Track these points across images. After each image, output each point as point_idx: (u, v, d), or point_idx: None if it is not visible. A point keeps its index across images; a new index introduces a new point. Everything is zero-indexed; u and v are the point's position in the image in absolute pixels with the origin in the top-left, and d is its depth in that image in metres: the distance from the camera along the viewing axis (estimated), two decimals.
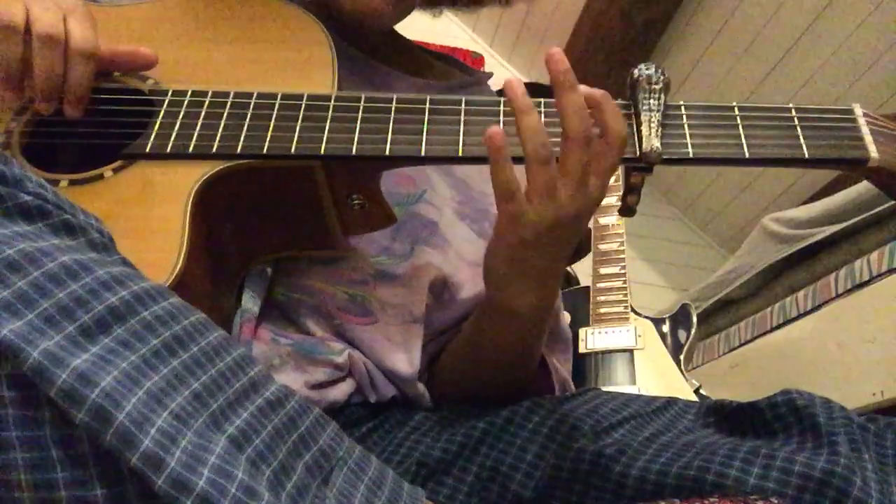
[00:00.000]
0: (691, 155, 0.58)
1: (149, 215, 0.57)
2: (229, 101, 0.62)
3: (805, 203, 2.17)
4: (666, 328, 1.63)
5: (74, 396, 0.35)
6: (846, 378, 1.54)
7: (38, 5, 0.58)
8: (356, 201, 0.64)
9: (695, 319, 1.65)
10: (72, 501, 0.36)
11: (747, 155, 0.57)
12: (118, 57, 0.64)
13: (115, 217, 0.56)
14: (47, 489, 0.35)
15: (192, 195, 0.58)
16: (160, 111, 0.62)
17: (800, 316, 1.80)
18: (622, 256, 1.69)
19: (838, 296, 1.66)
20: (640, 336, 1.58)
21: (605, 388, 1.48)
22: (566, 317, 0.86)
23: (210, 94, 0.63)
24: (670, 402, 0.67)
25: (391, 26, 0.82)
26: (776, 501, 0.50)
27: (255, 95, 0.62)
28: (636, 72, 0.60)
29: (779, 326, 1.88)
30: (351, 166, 0.62)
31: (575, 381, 1.61)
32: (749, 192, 2.51)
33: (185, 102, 0.62)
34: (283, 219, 0.66)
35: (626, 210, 0.60)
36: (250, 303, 0.66)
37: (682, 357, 1.57)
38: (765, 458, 0.53)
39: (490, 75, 0.92)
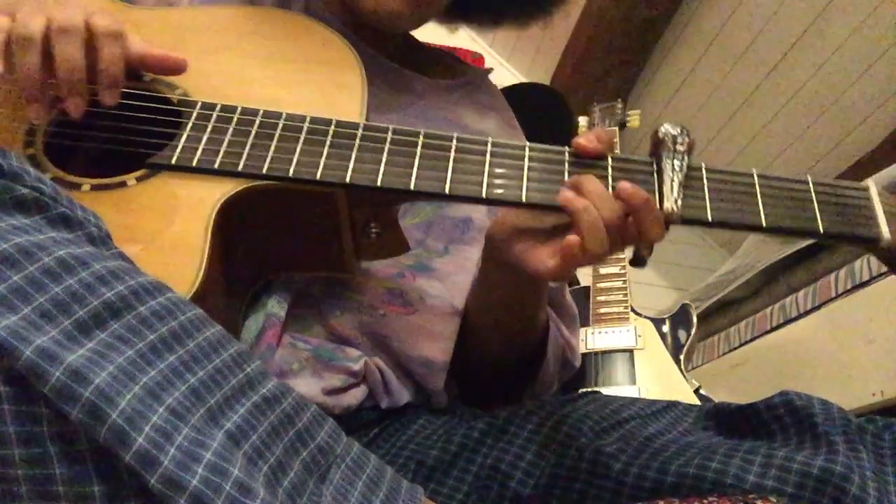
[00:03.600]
0: (710, 220, 0.58)
1: (169, 229, 0.57)
2: (258, 119, 0.62)
3: None
4: (666, 328, 1.63)
5: (68, 394, 0.35)
6: (846, 378, 1.54)
7: (59, 10, 0.58)
8: (374, 230, 0.65)
9: (695, 319, 1.65)
10: (69, 497, 0.36)
11: (764, 224, 0.58)
12: (148, 58, 0.64)
13: (136, 228, 0.57)
14: (45, 484, 0.35)
15: (215, 213, 0.57)
16: (188, 123, 0.62)
17: (800, 316, 1.80)
18: (622, 256, 1.69)
19: (838, 296, 1.66)
20: (640, 336, 1.58)
21: (605, 388, 1.49)
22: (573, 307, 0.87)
23: (239, 110, 0.62)
24: (670, 405, 0.67)
25: (409, 30, 0.83)
26: (775, 500, 0.50)
27: (283, 116, 0.62)
28: (661, 130, 0.60)
29: (779, 326, 1.88)
30: (373, 196, 0.62)
31: (575, 381, 1.61)
32: None
33: (214, 117, 0.62)
34: (299, 241, 0.66)
35: (639, 262, 0.59)
36: (276, 307, 0.66)
37: (682, 357, 1.57)
38: (763, 458, 0.54)
39: (490, 70, 0.93)
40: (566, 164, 0.60)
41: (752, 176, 0.60)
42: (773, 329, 1.90)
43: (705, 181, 0.59)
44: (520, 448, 0.63)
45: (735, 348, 2.05)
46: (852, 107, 2.06)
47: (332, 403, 0.67)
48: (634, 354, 1.56)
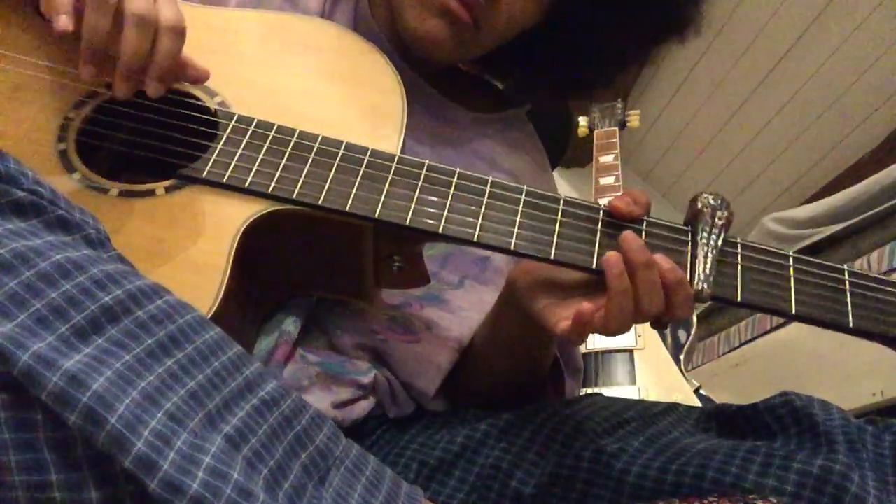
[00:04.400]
0: (739, 300, 0.56)
1: (193, 246, 0.56)
2: (293, 140, 0.61)
3: (805, 203, 2.17)
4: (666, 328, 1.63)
5: (65, 399, 0.35)
6: (846, 378, 1.54)
7: None
8: (396, 263, 0.64)
9: (695, 319, 1.65)
10: (66, 503, 0.36)
11: (793, 312, 0.56)
12: (186, 68, 0.62)
13: (160, 240, 0.56)
14: (41, 491, 0.35)
15: (240, 233, 0.57)
16: (223, 136, 0.61)
17: None
18: None
19: None
20: (640, 336, 1.58)
21: (605, 388, 1.49)
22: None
23: (275, 128, 0.61)
24: (671, 406, 0.67)
25: (450, 61, 0.81)
26: (775, 500, 0.50)
27: (319, 139, 0.61)
28: (700, 200, 0.58)
29: (779, 326, 1.88)
30: (400, 232, 0.60)
31: None
32: (749, 192, 2.51)
33: (249, 132, 0.61)
34: (320, 266, 0.65)
35: (660, 326, 0.57)
36: (291, 326, 0.66)
37: (682, 357, 1.57)
38: (763, 458, 0.54)
39: (528, 105, 0.91)
40: (599, 224, 0.58)
41: (788, 258, 0.58)
42: (773, 329, 1.90)
43: (739, 259, 0.57)
44: (521, 448, 0.63)
45: (735, 348, 2.05)
46: (852, 107, 2.06)
47: (341, 417, 0.67)
48: (634, 354, 1.56)
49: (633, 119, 1.90)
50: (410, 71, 0.77)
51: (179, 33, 0.59)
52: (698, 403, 1.42)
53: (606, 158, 1.77)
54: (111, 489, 0.36)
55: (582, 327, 0.55)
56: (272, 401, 0.43)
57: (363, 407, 0.69)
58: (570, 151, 2.08)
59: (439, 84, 0.82)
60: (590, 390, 1.46)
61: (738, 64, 2.21)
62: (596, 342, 1.59)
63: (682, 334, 1.62)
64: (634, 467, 0.57)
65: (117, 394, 0.36)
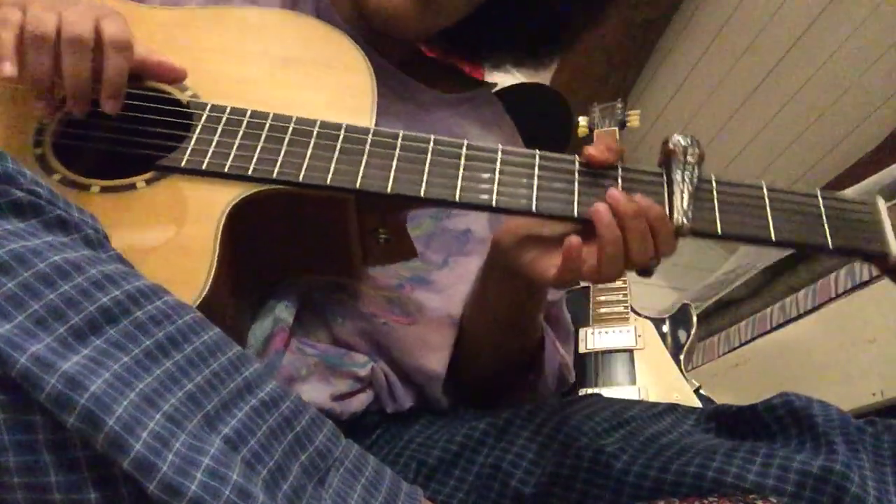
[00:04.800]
0: (719, 232, 0.58)
1: (179, 232, 0.57)
2: (268, 122, 0.62)
3: None
4: (666, 328, 1.63)
5: (63, 401, 0.35)
6: (846, 378, 1.54)
7: (70, 11, 0.57)
8: (382, 235, 0.65)
9: (695, 319, 1.65)
10: None
11: (773, 238, 0.58)
12: (150, 66, 0.63)
13: (145, 231, 0.57)
14: (41, 492, 0.35)
15: (224, 216, 0.57)
16: (198, 126, 0.61)
17: (800, 316, 1.80)
18: None
19: (838, 296, 1.66)
20: (640, 336, 1.58)
21: (605, 388, 1.49)
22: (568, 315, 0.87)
23: (249, 113, 0.62)
24: (671, 407, 0.68)
25: (417, 37, 0.81)
26: (775, 500, 0.50)
27: (293, 120, 0.62)
28: (671, 142, 0.60)
29: (779, 326, 1.88)
30: (382, 202, 0.62)
31: (575, 382, 1.61)
32: None
33: (224, 119, 0.62)
34: (307, 245, 0.66)
35: (646, 273, 0.59)
36: (285, 312, 0.66)
37: (682, 357, 1.57)
38: (763, 458, 0.54)
39: (495, 85, 0.93)
40: (576, 174, 0.60)
41: (761, 188, 0.60)
42: (773, 329, 1.90)
43: (715, 193, 0.59)
44: (521, 448, 0.63)
45: (735, 348, 2.04)
46: (852, 107, 2.06)
47: (339, 409, 0.67)
48: (634, 354, 1.56)
49: (633, 119, 1.90)
50: (377, 56, 0.77)
51: (124, 48, 0.59)
52: (698, 403, 1.42)
53: None
54: (110, 491, 0.36)
55: (572, 262, 0.56)
56: (271, 401, 0.43)
57: (361, 400, 0.69)
58: (569, 151, 2.08)
59: (406, 68, 0.82)
60: (590, 390, 1.46)
61: (737, 64, 2.21)
62: (596, 342, 1.59)
63: (682, 334, 1.62)
64: (634, 467, 0.57)
65: (115, 395, 0.36)
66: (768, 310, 1.96)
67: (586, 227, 0.57)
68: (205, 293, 0.53)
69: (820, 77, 2.07)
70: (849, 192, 0.61)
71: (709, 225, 0.58)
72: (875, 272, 1.55)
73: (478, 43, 0.88)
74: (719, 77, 2.28)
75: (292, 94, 0.66)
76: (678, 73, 2.36)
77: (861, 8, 1.87)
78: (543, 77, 2.59)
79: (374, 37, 0.76)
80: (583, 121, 1.92)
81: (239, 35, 0.71)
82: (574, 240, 0.56)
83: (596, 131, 1.86)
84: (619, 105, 1.92)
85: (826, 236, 0.58)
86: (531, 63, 0.90)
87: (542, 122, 0.99)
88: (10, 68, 0.55)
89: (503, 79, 0.98)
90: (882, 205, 0.60)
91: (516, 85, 2.33)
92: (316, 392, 0.66)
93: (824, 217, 0.59)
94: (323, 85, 0.67)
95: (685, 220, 0.57)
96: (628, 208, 0.56)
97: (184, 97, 0.64)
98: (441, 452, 0.66)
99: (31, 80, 0.57)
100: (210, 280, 0.54)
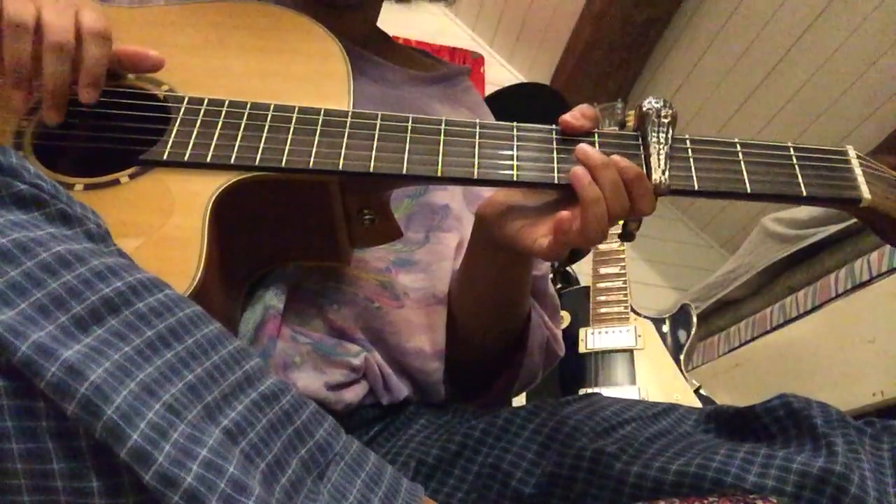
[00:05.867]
0: (696, 188, 0.60)
1: (166, 224, 0.57)
2: (246, 111, 0.62)
3: None
4: (666, 328, 1.63)
5: (64, 389, 0.35)
6: (846, 378, 1.54)
7: (49, 9, 0.57)
8: (367, 216, 0.65)
9: (695, 319, 1.65)
10: (68, 492, 0.36)
11: (749, 190, 0.60)
12: (125, 57, 0.63)
13: (132, 224, 0.57)
14: (43, 479, 0.35)
15: (210, 205, 0.58)
16: (177, 118, 0.62)
17: (800, 316, 1.80)
18: (622, 256, 1.69)
19: (838, 296, 1.66)
20: (640, 336, 1.59)
21: (605, 388, 1.49)
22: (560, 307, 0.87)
23: (227, 103, 0.62)
24: (671, 407, 0.68)
25: (366, 9, 0.83)
26: (775, 501, 0.50)
27: (272, 108, 0.62)
28: (645, 105, 0.62)
29: (779, 326, 1.88)
30: (365, 183, 0.62)
31: (575, 382, 1.62)
32: None
33: (202, 111, 0.62)
34: (294, 230, 0.66)
35: (627, 236, 0.62)
36: (275, 300, 0.67)
37: (682, 357, 1.57)
38: (764, 458, 0.54)
39: (467, 70, 0.94)
40: (554, 143, 0.62)
41: (734, 144, 0.62)
42: (773, 329, 1.90)
43: (690, 151, 0.61)
44: (521, 447, 0.63)
45: (735, 348, 2.05)
46: (851, 107, 2.06)
47: (334, 399, 0.67)
48: (634, 354, 1.56)
49: (633, 119, 1.90)
50: (343, 39, 0.76)
51: (105, 37, 0.59)
52: (698, 403, 1.42)
53: None
54: (112, 479, 0.36)
55: (563, 235, 0.58)
56: (272, 395, 0.43)
57: (356, 392, 0.69)
58: None
59: (368, 47, 0.83)
60: (590, 390, 1.46)
61: (737, 64, 2.21)
62: (596, 342, 1.59)
63: (682, 334, 1.62)
64: (634, 467, 0.57)
65: (115, 385, 0.36)
66: (768, 310, 1.96)
67: (566, 194, 0.59)
68: (196, 283, 0.54)
69: (820, 77, 2.07)
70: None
71: (685, 181, 0.60)
72: (875, 271, 1.55)
73: None
74: (719, 77, 2.28)
75: (269, 83, 0.67)
76: (678, 73, 2.36)
77: (861, 8, 1.87)
78: (543, 77, 2.60)
79: (333, 19, 0.76)
80: None
81: (211, 29, 0.71)
82: (564, 214, 0.57)
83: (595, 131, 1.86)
84: (619, 105, 1.92)
85: (801, 185, 0.61)
86: None
87: (542, 122, 0.98)
88: None
89: (503, 79, 0.98)
90: (852, 152, 0.63)
91: (516, 85, 2.34)
92: (310, 381, 0.66)
93: (797, 167, 0.61)
94: (298, 72, 0.68)
95: (663, 178, 0.59)
96: (596, 160, 0.58)
97: (160, 92, 0.64)
98: (440, 451, 0.66)
99: (9, 69, 0.57)
100: (200, 269, 0.54)
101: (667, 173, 0.59)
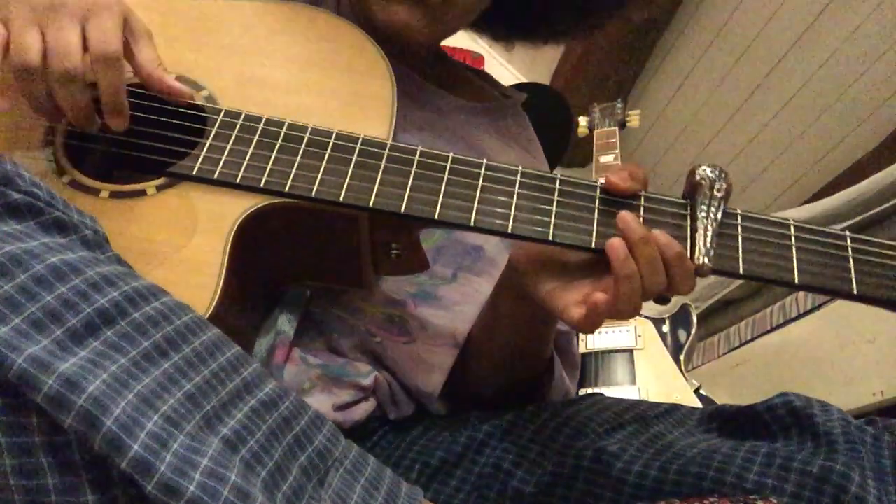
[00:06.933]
0: (741, 273, 0.55)
1: (188, 244, 0.56)
2: (283, 132, 0.60)
3: (805, 203, 2.17)
4: (666, 328, 1.63)
5: (61, 402, 0.34)
6: (846, 378, 1.54)
7: (53, 25, 0.54)
8: (394, 250, 0.63)
9: (695, 319, 1.65)
10: None
11: (796, 281, 0.55)
12: (151, 84, 0.60)
13: (154, 240, 0.56)
14: (38, 495, 0.35)
15: (234, 229, 0.56)
16: (211, 131, 0.60)
17: (800, 316, 1.80)
18: None
19: None
20: (640, 336, 1.59)
21: (605, 388, 1.49)
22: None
23: (264, 120, 0.60)
24: (673, 407, 0.67)
25: (428, 43, 0.79)
26: (775, 501, 0.50)
27: (309, 130, 0.60)
28: (699, 173, 0.56)
29: (779, 326, 1.88)
30: (396, 220, 0.60)
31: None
32: (749, 192, 2.51)
33: (238, 126, 0.60)
34: (317, 257, 0.65)
35: (662, 300, 0.57)
36: (286, 325, 0.66)
37: (682, 357, 1.57)
38: (764, 458, 0.54)
39: (524, 98, 0.91)
40: (597, 202, 0.57)
41: (789, 227, 0.57)
42: (773, 329, 1.90)
43: (740, 230, 0.56)
44: (522, 447, 0.63)
45: (735, 348, 2.05)
46: (852, 107, 2.06)
47: (342, 419, 0.66)
48: (634, 354, 1.56)
49: (633, 119, 1.90)
50: (394, 60, 0.75)
51: (111, 63, 0.56)
52: (698, 403, 1.42)
53: (606, 158, 1.77)
54: (107, 493, 0.36)
55: (596, 317, 0.54)
56: (271, 402, 0.43)
57: (364, 409, 0.68)
58: (570, 151, 2.08)
59: (424, 72, 0.81)
60: (590, 390, 1.46)
61: (738, 64, 2.21)
62: (596, 342, 1.59)
63: (682, 334, 1.62)
64: (635, 467, 0.57)
65: (113, 396, 0.36)
66: (768, 310, 1.96)
67: (604, 257, 0.55)
68: (212, 308, 0.53)
69: (820, 77, 2.07)
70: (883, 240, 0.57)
71: (730, 264, 0.55)
72: None
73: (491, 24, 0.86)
74: (719, 77, 2.28)
75: (311, 99, 0.65)
76: (678, 73, 2.36)
77: (861, 8, 1.87)
78: (543, 77, 2.60)
79: (388, 43, 0.74)
80: (583, 121, 1.92)
81: (261, 31, 0.69)
82: (599, 297, 0.53)
83: (596, 131, 1.86)
84: (619, 105, 1.93)
85: (852, 283, 0.55)
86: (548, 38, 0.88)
87: (542, 122, 0.98)
88: (1, 102, 0.55)
89: (503, 79, 0.98)
90: None
91: (516, 85, 2.33)
92: (318, 404, 0.65)
93: (852, 261, 0.56)
94: (343, 91, 0.65)
95: (706, 261, 0.54)
96: (636, 234, 0.53)
97: (199, 98, 0.63)
98: (444, 454, 0.65)
99: (30, 105, 0.56)
100: (217, 296, 0.53)
101: (711, 253, 0.54)
